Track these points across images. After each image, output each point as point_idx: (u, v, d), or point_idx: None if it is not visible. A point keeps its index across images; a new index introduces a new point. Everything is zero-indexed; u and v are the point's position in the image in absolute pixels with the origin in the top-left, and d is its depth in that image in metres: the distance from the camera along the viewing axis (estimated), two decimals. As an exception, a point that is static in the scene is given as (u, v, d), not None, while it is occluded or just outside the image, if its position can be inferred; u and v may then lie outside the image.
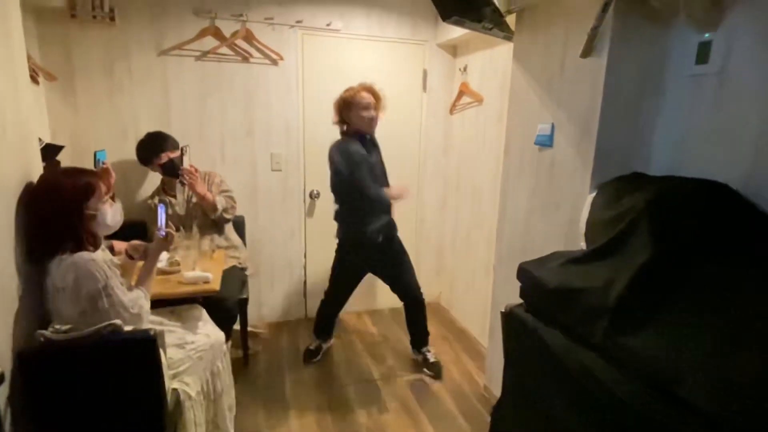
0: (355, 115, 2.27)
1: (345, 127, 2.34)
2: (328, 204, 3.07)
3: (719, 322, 0.92)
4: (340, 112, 2.33)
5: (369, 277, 2.63)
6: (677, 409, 0.84)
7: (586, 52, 1.54)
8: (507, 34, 1.99)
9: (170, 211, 2.40)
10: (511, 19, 1.97)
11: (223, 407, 1.84)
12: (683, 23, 1.40)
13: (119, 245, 1.83)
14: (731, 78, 1.28)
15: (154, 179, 2.64)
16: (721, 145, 1.31)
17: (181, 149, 2.39)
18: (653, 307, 1.01)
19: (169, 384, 1.52)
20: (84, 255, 1.33)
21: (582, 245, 1.44)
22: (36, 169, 1.47)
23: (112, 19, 2.40)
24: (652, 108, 1.53)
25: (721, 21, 1.29)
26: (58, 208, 1.33)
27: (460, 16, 1.79)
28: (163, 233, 1.65)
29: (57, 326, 1.32)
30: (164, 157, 2.35)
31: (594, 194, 1.47)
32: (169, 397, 1.48)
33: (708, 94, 1.35)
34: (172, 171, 2.36)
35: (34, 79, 2.16)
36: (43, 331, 1.29)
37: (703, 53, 1.35)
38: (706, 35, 1.33)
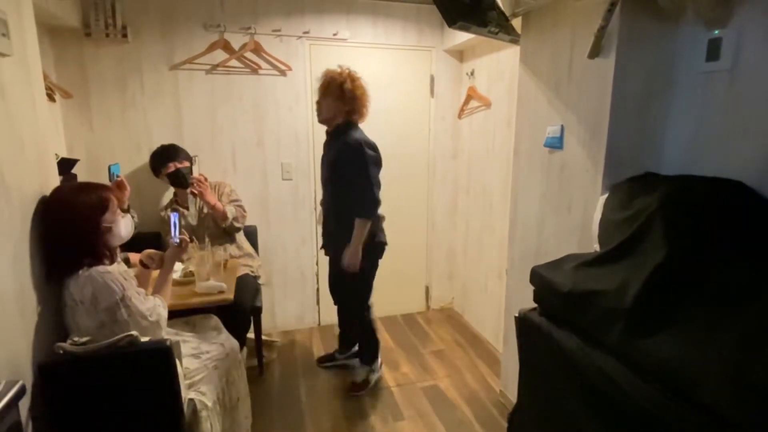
0: None
1: None
2: (338, 211, 3.09)
3: (738, 323, 0.90)
4: None
5: (382, 284, 2.57)
6: (696, 413, 0.82)
7: (594, 53, 1.53)
8: (513, 37, 1.99)
9: (183, 222, 2.44)
10: (516, 23, 1.97)
11: (239, 416, 1.85)
12: (691, 20, 1.38)
13: (135, 257, 1.86)
14: (743, 74, 1.26)
15: (168, 192, 2.68)
16: (735, 142, 1.29)
17: (190, 159, 2.44)
18: (670, 308, 1.00)
19: (186, 394, 1.53)
20: (99, 268, 1.36)
21: (595, 247, 1.43)
22: (52, 184, 1.50)
23: (125, 36, 2.46)
24: (662, 107, 1.51)
25: (731, 17, 1.27)
26: (74, 227, 1.35)
27: (465, 22, 1.80)
28: (177, 240, 1.67)
29: (75, 338, 1.34)
30: (171, 167, 2.40)
31: (606, 195, 1.46)
32: (185, 407, 1.49)
33: (720, 91, 1.33)
34: (179, 181, 2.41)
35: (50, 97, 2.22)
36: (62, 344, 1.31)
37: (713, 50, 1.33)
38: (716, 32, 1.31)
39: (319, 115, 2.20)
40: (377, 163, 2.14)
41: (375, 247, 2.24)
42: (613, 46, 1.47)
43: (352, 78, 2.13)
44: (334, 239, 2.26)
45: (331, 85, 2.11)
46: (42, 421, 1.27)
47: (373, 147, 2.13)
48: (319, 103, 2.17)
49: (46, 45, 2.32)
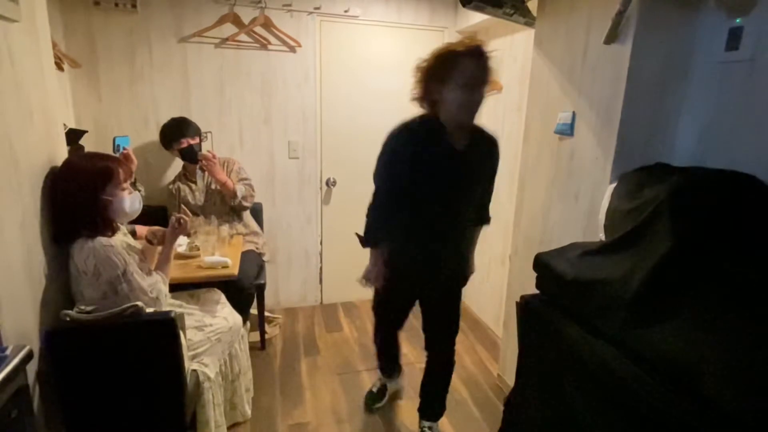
0: (447, 93, 1.48)
1: (426, 106, 1.60)
2: (344, 192, 3.09)
3: (741, 317, 0.90)
4: (427, 82, 1.53)
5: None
6: (696, 404, 0.83)
7: (610, 38, 1.49)
8: (528, 20, 1.95)
9: (189, 199, 2.45)
10: (532, 5, 1.92)
11: (240, 388, 1.89)
12: (713, 8, 1.35)
13: (141, 230, 1.87)
14: (763, 65, 1.23)
15: (176, 166, 2.68)
16: (750, 135, 1.27)
17: (200, 135, 2.44)
18: (673, 300, 0.99)
19: (189, 365, 1.57)
20: (102, 241, 1.37)
21: (601, 237, 1.42)
22: (61, 154, 1.51)
23: (134, 6, 2.43)
24: (677, 96, 1.48)
25: (753, 5, 1.24)
26: (75, 192, 1.36)
27: (480, 1, 1.76)
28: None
29: (82, 307, 1.37)
30: (184, 143, 2.40)
31: (615, 185, 1.44)
32: (188, 377, 1.52)
33: (738, 81, 1.30)
34: (191, 156, 2.41)
35: (59, 66, 2.20)
36: (69, 311, 1.33)
37: (733, 39, 1.30)
38: (737, 20, 1.28)
39: (477, 111, 1.52)
40: None
41: None
42: (631, 32, 1.43)
43: None
44: (456, 258, 1.77)
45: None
46: (49, 385, 1.30)
47: None
48: (482, 94, 1.50)
49: (55, 13, 2.30)
